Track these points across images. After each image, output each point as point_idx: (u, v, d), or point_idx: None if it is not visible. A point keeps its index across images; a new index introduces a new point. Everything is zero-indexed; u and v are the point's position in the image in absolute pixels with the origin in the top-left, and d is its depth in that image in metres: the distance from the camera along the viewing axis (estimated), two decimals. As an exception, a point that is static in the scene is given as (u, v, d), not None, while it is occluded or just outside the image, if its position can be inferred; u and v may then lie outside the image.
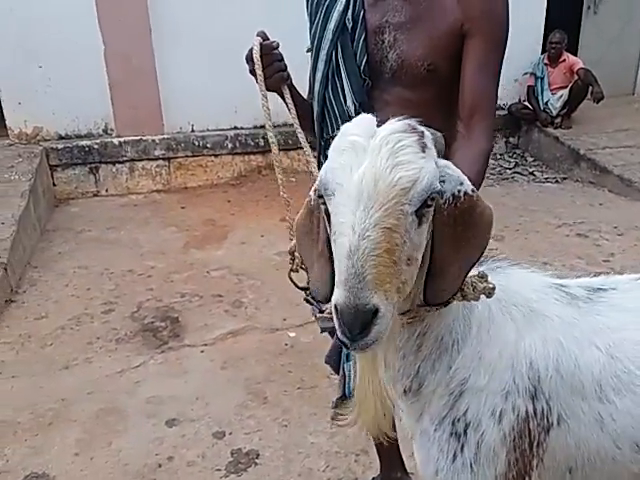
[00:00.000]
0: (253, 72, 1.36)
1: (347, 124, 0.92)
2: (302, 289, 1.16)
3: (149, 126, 5.06)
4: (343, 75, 1.40)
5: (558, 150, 5.68)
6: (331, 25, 1.39)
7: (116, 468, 2.19)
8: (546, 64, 5.82)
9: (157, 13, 4.82)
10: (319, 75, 1.44)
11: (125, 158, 5.07)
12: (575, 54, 6.13)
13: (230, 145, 5.25)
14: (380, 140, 0.87)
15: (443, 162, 0.94)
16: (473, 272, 0.99)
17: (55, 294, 3.45)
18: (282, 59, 1.40)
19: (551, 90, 5.83)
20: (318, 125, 1.52)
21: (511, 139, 6.22)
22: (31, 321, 3.18)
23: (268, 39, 1.37)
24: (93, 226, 4.43)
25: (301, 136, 1.37)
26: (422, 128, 0.93)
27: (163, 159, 5.14)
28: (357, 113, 1.30)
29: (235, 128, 5.29)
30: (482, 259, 1.11)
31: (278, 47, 1.38)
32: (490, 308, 1.07)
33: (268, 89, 1.38)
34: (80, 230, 4.36)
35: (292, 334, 3.02)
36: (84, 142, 4.97)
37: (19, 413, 2.48)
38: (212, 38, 4.81)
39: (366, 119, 0.92)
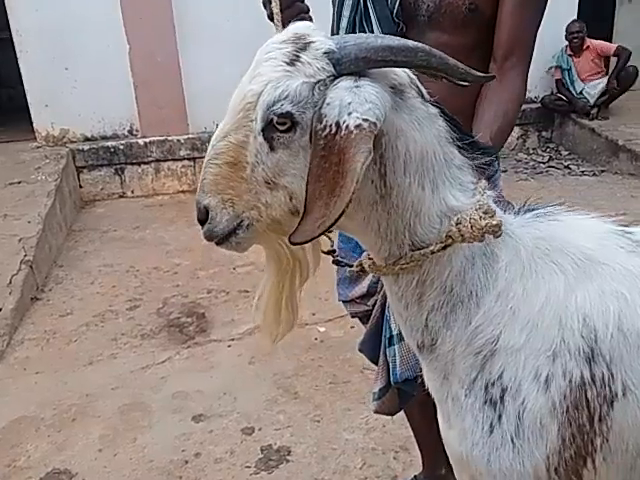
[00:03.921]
0: (271, 17, 1.24)
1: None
2: (328, 253, 1.06)
3: (174, 126, 5.03)
4: (373, 20, 1.27)
5: (595, 142, 5.45)
6: None
7: (140, 464, 2.08)
8: (570, 55, 5.61)
9: (181, 12, 4.80)
10: (344, 22, 1.32)
11: (150, 159, 5.04)
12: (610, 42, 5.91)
13: (255, 144, 5.18)
14: (259, 51, 0.83)
15: (346, 83, 0.77)
16: (480, 204, 0.85)
17: (80, 292, 3.40)
18: (304, 0, 1.29)
19: (582, 80, 5.62)
20: None
21: (544, 133, 6.00)
22: (56, 318, 3.12)
23: None
24: (119, 226, 4.39)
25: None
26: (315, 38, 0.80)
27: (188, 159, 5.10)
28: None
29: (260, 127, 5.23)
30: (531, 204, 0.97)
31: None
32: (527, 257, 0.90)
33: None
34: (106, 230, 4.33)
35: (322, 329, 2.89)
36: (109, 143, 4.97)
37: (42, 409, 2.40)
38: (236, 36, 4.76)
39: (291, 28, 0.84)
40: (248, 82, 0.82)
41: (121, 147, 4.97)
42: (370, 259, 0.96)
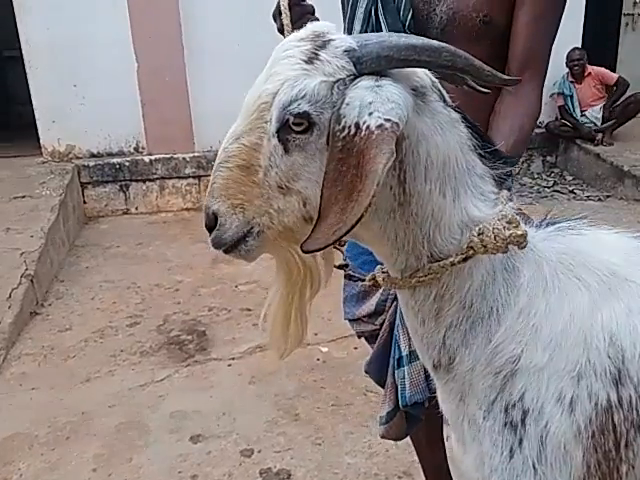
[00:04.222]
0: (281, 30, 1.23)
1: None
2: (339, 267, 1.02)
3: (180, 144, 5.04)
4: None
5: (599, 167, 5.44)
6: None
7: (135, 486, 2.02)
8: (572, 82, 5.65)
9: (189, 32, 4.86)
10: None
11: (155, 176, 5.04)
12: (614, 71, 5.95)
13: (260, 163, 5.19)
14: (276, 49, 0.80)
15: (367, 83, 0.74)
16: (503, 214, 0.81)
17: (80, 307, 3.36)
18: (314, 12, 1.28)
19: (585, 105, 5.65)
20: None
21: (548, 158, 6.00)
22: (55, 333, 3.08)
23: None
24: (121, 242, 4.37)
25: None
26: (335, 36, 0.78)
27: (193, 177, 5.10)
28: None
29: (265, 146, 5.24)
30: (552, 217, 0.94)
31: None
32: (550, 272, 0.86)
33: None
34: (108, 246, 4.31)
35: (324, 349, 2.83)
36: (115, 160, 4.98)
37: (37, 426, 2.34)
38: (243, 56, 4.80)
39: (310, 26, 0.81)
40: (263, 81, 0.79)
41: (126, 164, 4.98)
42: (384, 272, 0.93)
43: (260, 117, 0.78)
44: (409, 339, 1.34)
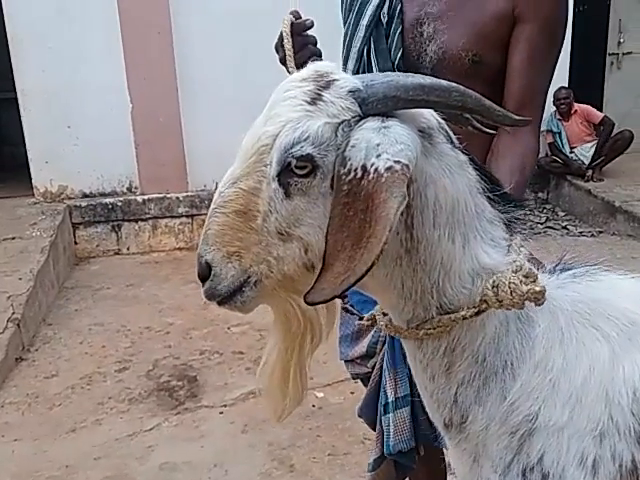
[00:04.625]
0: (283, 61, 1.22)
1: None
2: (338, 296, 0.98)
3: (174, 184, 5.03)
4: (375, 72, 1.26)
5: (591, 203, 5.47)
6: (364, 21, 1.27)
7: None
8: (559, 119, 5.78)
9: (184, 74, 4.92)
10: (349, 74, 1.32)
11: (148, 216, 5.01)
12: (600, 109, 6.07)
13: (253, 202, 5.18)
14: (276, 90, 0.78)
15: (373, 124, 0.71)
16: (518, 265, 0.77)
17: (68, 352, 3.26)
18: (316, 43, 1.27)
19: (573, 142, 5.76)
20: None
21: (540, 194, 6.04)
22: (40, 380, 2.98)
23: (300, 17, 1.24)
24: (112, 284, 4.30)
25: None
26: (339, 76, 0.75)
27: (186, 216, 5.07)
28: None
29: (258, 185, 5.25)
30: (563, 262, 0.90)
31: (312, 27, 1.24)
32: (566, 322, 0.82)
33: None
34: (99, 287, 4.23)
35: (320, 394, 2.75)
36: (108, 200, 4.95)
37: (18, 481, 2.23)
38: (237, 97, 4.85)
39: (312, 66, 0.79)
40: (263, 124, 0.76)
41: (119, 204, 4.95)
42: (385, 314, 0.88)
43: (259, 160, 0.76)
44: (395, 385, 1.31)
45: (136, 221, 5.00)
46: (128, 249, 5.00)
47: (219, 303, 0.82)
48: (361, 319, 0.97)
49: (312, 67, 0.78)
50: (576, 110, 5.74)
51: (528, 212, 0.94)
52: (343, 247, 0.69)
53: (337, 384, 2.74)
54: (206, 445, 2.42)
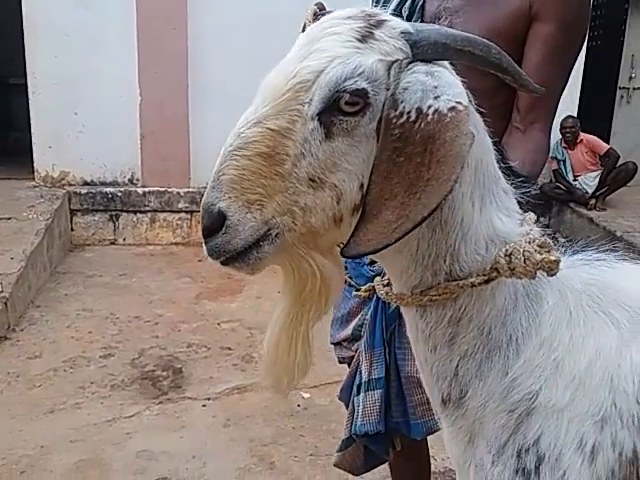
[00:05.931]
0: None
1: None
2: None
3: (176, 179, 5.01)
4: None
5: (592, 232, 5.45)
6: None
7: (88, 531, 1.84)
8: (565, 147, 5.80)
9: (196, 71, 4.93)
10: None
11: (147, 208, 4.98)
12: (608, 141, 6.09)
13: (254, 203, 5.15)
14: (315, 26, 0.73)
15: (425, 68, 0.69)
16: (532, 236, 0.74)
17: (54, 335, 3.21)
18: None
19: (577, 170, 5.77)
20: None
21: (542, 219, 6.01)
22: (23, 360, 2.91)
23: (324, 9, 1.22)
24: (105, 272, 4.25)
25: None
26: (388, 17, 0.73)
27: (186, 212, 5.04)
28: None
29: (261, 187, 5.23)
30: (581, 247, 0.87)
31: None
32: (574, 303, 0.79)
33: None
34: (91, 274, 4.18)
35: (306, 395, 2.69)
36: (108, 189, 4.92)
37: (-11, 458, 2.16)
38: (248, 99, 4.83)
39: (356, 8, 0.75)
40: (298, 60, 0.71)
41: (119, 194, 4.92)
42: (386, 285, 0.84)
43: (294, 97, 0.70)
44: (370, 366, 1.30)
45: (135, 212, 4.97)
46: (124, 240, 4.96)
47: (225, 261, 0.73)
48: (358, 291, 0.94)
49: (355, 8, 0.75)
50: (582, 139, 5.77)
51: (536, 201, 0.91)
52: (392, 195, 0.66)
53: (324, 386, 2.68)
54: (186, 436, 2.35)
